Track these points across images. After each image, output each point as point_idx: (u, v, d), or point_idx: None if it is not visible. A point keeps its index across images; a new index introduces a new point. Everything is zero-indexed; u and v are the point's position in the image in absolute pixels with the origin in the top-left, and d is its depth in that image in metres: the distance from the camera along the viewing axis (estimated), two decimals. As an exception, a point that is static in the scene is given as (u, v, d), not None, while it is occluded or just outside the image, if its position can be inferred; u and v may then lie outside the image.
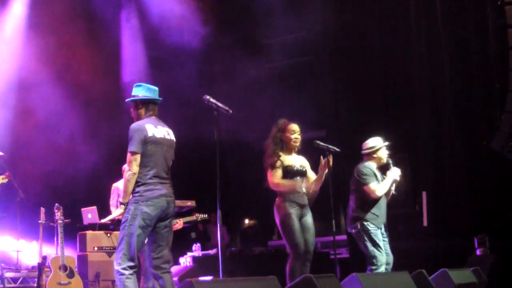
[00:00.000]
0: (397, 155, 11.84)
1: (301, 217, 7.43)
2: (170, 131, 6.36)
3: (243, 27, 13.46)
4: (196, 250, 11.44)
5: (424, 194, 11.40)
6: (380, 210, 8.06)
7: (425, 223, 11.31)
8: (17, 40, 12.18)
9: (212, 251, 11.36)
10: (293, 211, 7.37)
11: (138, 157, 6.04)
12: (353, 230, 8.07)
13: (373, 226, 7.94)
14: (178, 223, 8.94)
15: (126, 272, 5.94)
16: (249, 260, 11.31)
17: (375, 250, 7.86)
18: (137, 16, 13.56)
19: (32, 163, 11.58)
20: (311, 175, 7.62)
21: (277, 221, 7.48)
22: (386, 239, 8.09)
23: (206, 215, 9.69)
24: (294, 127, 7.61)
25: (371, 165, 8.16)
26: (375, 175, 8.10)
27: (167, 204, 6.12)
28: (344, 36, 12.81)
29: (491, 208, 11.00)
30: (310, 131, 13.05)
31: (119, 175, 8.70)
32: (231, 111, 6.63)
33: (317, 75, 13.32)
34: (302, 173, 7.53)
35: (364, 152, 8.31)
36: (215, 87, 13.05)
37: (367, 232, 7.90)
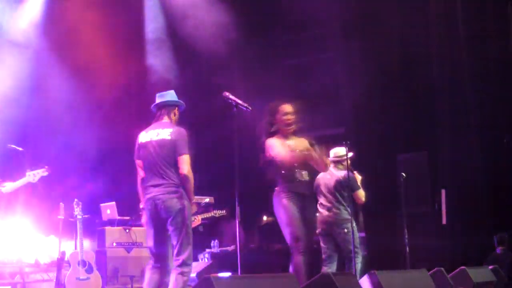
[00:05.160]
0: (416, 153, 11.86)
1: (302, 209, 7.00)
2: (164, 131, 6.49)
3: (262, 24, 13.43)
4: (215, 247, 11.45)
5: (443, 192, 11.36)
6: None
7: (444, 221, 11.27)
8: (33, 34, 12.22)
9: (230, 248, 11.36)
10: (293, 202, 6.95)
11: (138, 162, 6.59)
12: (345, 230, 8.16)
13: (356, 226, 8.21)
14: (196, 219, 8.96)
15: (150, 263, 6.42)
16: (267, 256, 11.30)
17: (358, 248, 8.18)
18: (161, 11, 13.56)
19: (50, 158, 11.62)
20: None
21: (276, 212, 7.08)
22: None
23: (224, 211, 9.67)
24: (287, 108, 7.15)
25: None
26: None
27: (155, 207, 6.37)
28: (363, 33, 12.76)
29: (511, 206, 10.93)
30: (329, 129, 13.08)
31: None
32: (250, 108, 6.61)
33: (335, 72, 13.27)
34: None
35: (333, 159, 8.42)
36: (234, 84, 13.03)
37: (354, 232, 8.04)
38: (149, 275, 6.44)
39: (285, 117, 7.12)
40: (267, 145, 7.04)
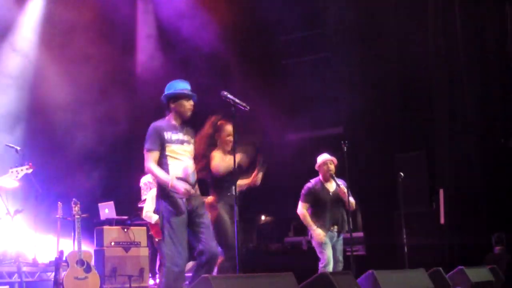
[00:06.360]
0: (414, 153, 11.86)
1: (232, 219, 7.23)
2: None
3: (258, 25, 13.42)
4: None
5: (441, 191, 11.36)
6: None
7: (442, 221, 11.28)
8: (34, 37, 12.23)
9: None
10: (226, 212, 7.27)
11: None
12: (309, 236, 8.47)
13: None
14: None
15: None
16: (265, 256, 11.30)
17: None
18: (153, 13, 13.58)
19: (48, 157, 11.62)
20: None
21: (211, 220, 7.22)
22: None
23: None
24: (230, 128, 7.31)
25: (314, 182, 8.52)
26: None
27: None
28: (361, 33, 12.78)
29: (509, 206, 10.93)
30: (327, 128, 13.08)
31: (136, 170, 8.72)
32: (248, 108, 6.59)
33: (334, 71, 13.28)
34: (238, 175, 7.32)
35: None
36: (230, 83, 13.04)
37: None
38: None
39: (228, 138, 7.39)
40: (211, 156, 7.38)
